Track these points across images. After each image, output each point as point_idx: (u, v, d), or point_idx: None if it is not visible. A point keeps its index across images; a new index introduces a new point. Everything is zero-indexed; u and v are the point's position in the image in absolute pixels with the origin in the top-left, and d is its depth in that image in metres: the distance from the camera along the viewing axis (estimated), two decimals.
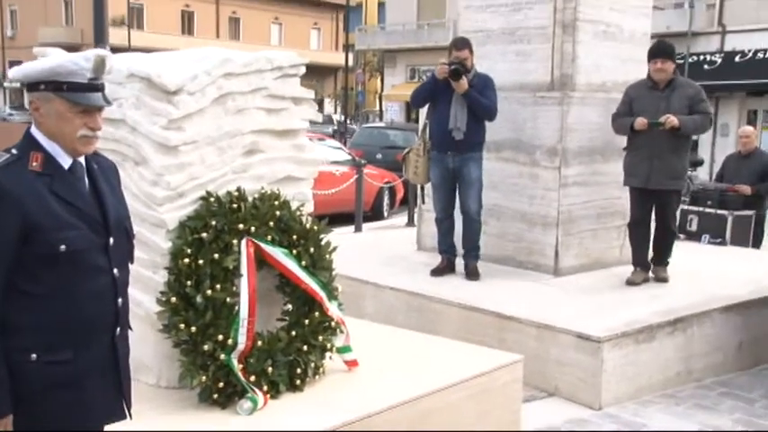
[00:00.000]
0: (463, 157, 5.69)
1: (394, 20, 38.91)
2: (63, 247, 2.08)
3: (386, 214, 13.21)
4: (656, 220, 5.66)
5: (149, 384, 3.51)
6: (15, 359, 2.07)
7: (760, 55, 23.70)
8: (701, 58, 25.01)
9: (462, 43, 5.77)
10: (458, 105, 5.64)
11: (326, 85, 50.82)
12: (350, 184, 10.49)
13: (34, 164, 2.10)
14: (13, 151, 2.12)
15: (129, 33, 36.65)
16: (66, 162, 2.17)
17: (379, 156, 16.47)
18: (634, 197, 5.67)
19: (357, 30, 41.83)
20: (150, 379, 3.53)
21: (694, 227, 8.13)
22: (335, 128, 33.31)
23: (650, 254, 5.78)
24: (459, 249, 5.92)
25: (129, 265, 2.37)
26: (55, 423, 2.16)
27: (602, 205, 6.06)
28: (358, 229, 9.76)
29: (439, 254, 5.99)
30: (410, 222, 10.40)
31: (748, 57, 24.02)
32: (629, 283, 5.63)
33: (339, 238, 8.08)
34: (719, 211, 7.98)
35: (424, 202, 6.47)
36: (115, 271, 2.22)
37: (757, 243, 8.16)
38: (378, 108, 43.81)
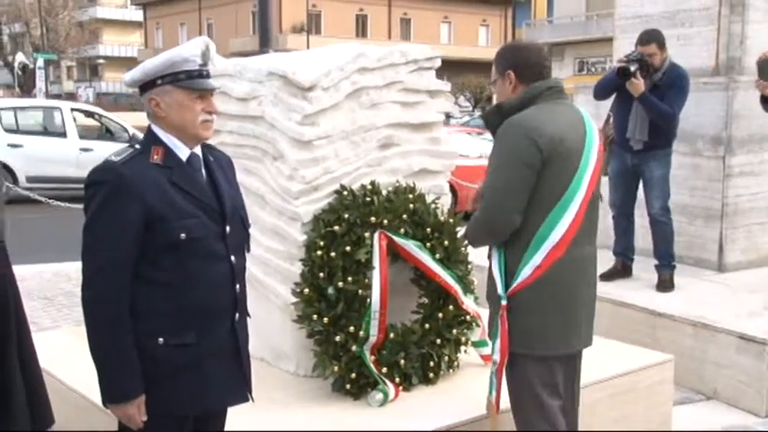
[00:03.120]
0: (644, 155, 5.21)
1: (563, 12, 38.04)
2: (183, 235, 2.19)
3: None
4: None
5: (289, 372, 3.64)
6: (145, 343, 2.20)
7: None
8: None
9: (648, 37, 5.16)
10: (639, 110, 5.09)
11: None
12: None
13: (155, 157, 2.23)
14: (136, 146, 2.27)
15: (308, 38, 38.40)
16: (184, 154, 2.29)
17: None
18: None
19: (525, 24, 41.24)
20: (290, 367, 3.65)
21: None
22: None
23: None
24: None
25: (246, 253, 2.45)
26: (181, 405, 2.28)
27: None
28: None
29: (613, 255, 5.47)
30: None
31: None
32: None
33: None
34: None
35: (601, 200, 6.03)
36: (232, 258, 2.32)
37: None
38: None
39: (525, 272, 2.71)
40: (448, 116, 25.50)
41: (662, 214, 5.19)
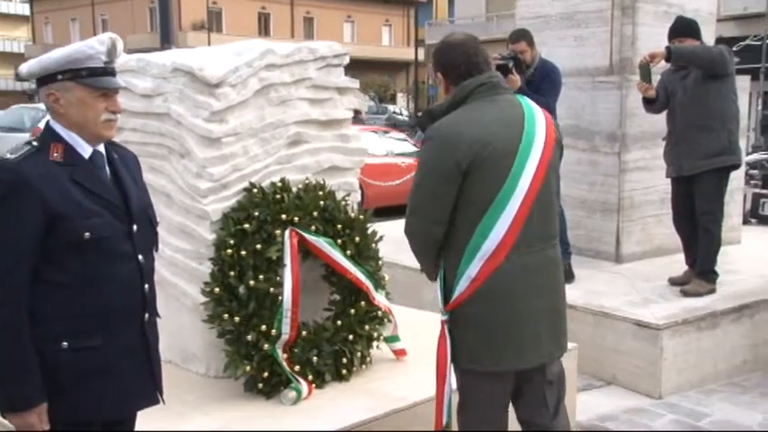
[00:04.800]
0: None
1: (463, 13, 38.79)
2: (87, 234, 2.12)
3: None
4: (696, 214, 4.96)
5: (199, 374, 3.58)
6: (47, 348, 2.12)
7: None
8: None
9: (517, 36, 5.44)
10: None
11: (398, 80, 50.96)
12: None
13: (55, 154, 2.15)
14: (34, 143, 2.18)
15: (209, 36, 37.68)
16: (86, 152, 2.22)
17: None
18: (673, 189, 5.21)
19: (427, 24, 41.82)
20: (200, 368, 3.59)
21: (767, 210, 7.81)
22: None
23: None
24: None
25: (154, 252, 2.40)
26: (87, 411, 2.21)
27: (665, 190, 5.85)
28: None
29: None
30: None
31: None
32: (671, 282, 5.11)
33: (401, 228, 8.15)
34: None
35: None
36: (140, 257, 2.26)
37: None
38: None
39: (461, 285, 2.58)
40: (357, 113, 25.55)
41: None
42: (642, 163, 5.76)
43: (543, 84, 5.31)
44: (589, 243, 5.85)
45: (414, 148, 13.18)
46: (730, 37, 20.24)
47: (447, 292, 2.63)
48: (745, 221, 7.44)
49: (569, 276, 5.26)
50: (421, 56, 36.92)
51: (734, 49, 6.13)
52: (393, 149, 12.77)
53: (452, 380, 2.72)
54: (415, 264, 6.01)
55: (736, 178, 5.94)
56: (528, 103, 2.71)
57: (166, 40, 9.05)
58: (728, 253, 5.61)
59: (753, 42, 23.58)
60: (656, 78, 5.20)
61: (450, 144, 2.54)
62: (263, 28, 48.48)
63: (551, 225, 2.69)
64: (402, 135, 15.59)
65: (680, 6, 6.01)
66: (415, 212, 2.65)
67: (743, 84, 5.94)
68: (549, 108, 5.27)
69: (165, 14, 9.17)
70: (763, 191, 8.02)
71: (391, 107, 39.97)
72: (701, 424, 4.09)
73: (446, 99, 2.69)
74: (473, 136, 2.52)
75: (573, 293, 4.95)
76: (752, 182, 8.48)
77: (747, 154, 8.09)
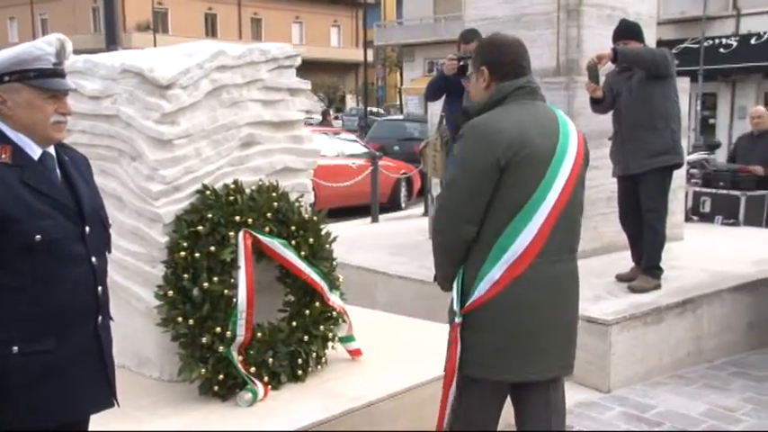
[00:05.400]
0: None
1: (411, 15, 39.02)
2: (39, 236, 2.09)
3: (403, 205, 13.28)
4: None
5: (153, 378, 3.55)
6: None
7: None
8: (717, 41, 24.67)
9: (470, 36, 5.52)
10: (470, 101, 5.45)
11: (348, 81, 50.98)
12: (366, 177, 10.52)
13: (3, 156, 2.11)
14: None
15: (154, 37, 37.13)
16: (35, 153, 2.18)
17: (396, 148, 16.64)
18: (619, 187, 5.27)
19: (375, 26, 41.94)
20: (153, 373, 3.57)
21: (707, 208, 8.03)
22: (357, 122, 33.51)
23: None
24: None
25: (108, 254, 2.38)
26: (41, 415, 2.17)
27: (612, 189, 5.98)
28: (374, 220, 9.79)
29: None
30: (426, 212, 10.39)
31: (764, 39, 23.63)
32: (618, 278, 5.20)
33: (353, 229, 8.19)
34: (732, 192, 7.88)
35: None
36: (93, 259, 2.24)
37: None
38: (398, 102, 43.83)
39: (482, 287, 2.49)
40: (326, 115, 25.49)
41: None
42: (591, 162, 5.86)
43: None
44: None
45: (364, 149, 13.23)
46: (669, 40, 20.75)
47: (464, 296, 2.54)
48: (687, 219, 7.64)
49: None
50: (370, 57, 37.01)
51: (673, 51, 6.30)
52: (344, 150, 12.78)
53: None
54: (368, 263, 5.99)
55: (679, 177, 6.09)
56: (561, 114, 2.68)
57: (112, 41, 8.87)
58: (672, 249, 5.75)
59: (690, 45, 24.22)
60: (602, 80, 5.32)
61: (489, 140, 2.47)
62: (210, 29, 48.02)
63: (575, 238, 2.66)
64: (352, 136, 15.64)
65: (623, 10, 6.15)
66: (448, 210, 2.55)
67: (683, 85, 6.10)
68: None
69: (111, 15, 9.00)
70: (704, 189, 8.24)
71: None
72: (648, 416, 4.19)
73: (482, 99, 2.63)
74: (513, 135, 2.47)
75: None
76: (692, 180, 8.69)
77: (688, 153, 8.30)
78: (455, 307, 2.56)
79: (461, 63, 5.26)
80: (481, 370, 2.56)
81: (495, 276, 2.48)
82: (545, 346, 2.56)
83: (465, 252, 2.55)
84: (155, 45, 34.52)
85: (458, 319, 2.55)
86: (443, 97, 5.78)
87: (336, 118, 35.77)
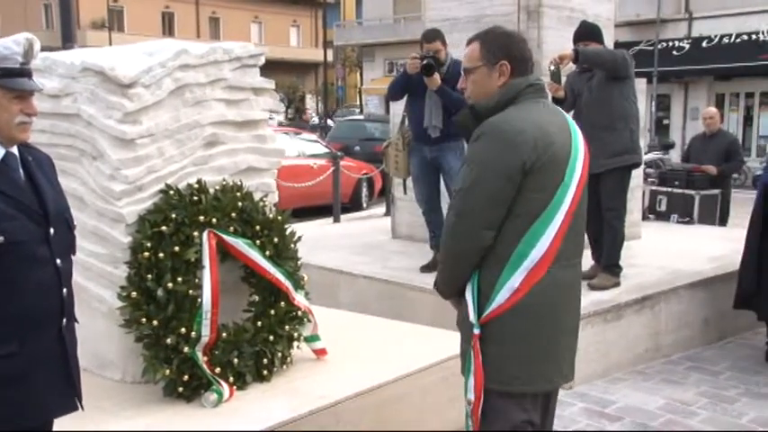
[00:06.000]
0: (440, 147, 5.51)
1: (371, 15, 39.05)
2: (2, 238, 2.06)
3: (365, 205, 13.30)
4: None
5: (115, 380, 3.51)
6: None
7: (726, 40, 23.82)
8: (670, 44, 25.18)
9: (433, 35, 5.54)
10: (432, 101, 5.42)
11: (307, 81, 50.80)
12: (327, 177, 10.51)
13: None
14: None
15: (110, 35, 36.52)
16: None
17: (357, 148, 16.64)
18: None
19: (335, 26, 41.89)
20: (116, 375, 3.52)
21: (663, 207, 8.22)
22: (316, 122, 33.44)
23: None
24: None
25: (72, 256, 2.35)
26: (3, 419, 2.14)
27: None
28: (336, 220, 9.79)
29: (431, 249, 5.69)
30: (388, 212, 10.40)
31: (715, 42, 24.16)
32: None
33: (315, 229, 8.18)
34: (687, 191, 8.08)
35: (405, 193, 6.13)
36: (58, 261, 2.21)
37: (723, 221, 8.28)
38: (358, 102, 43.84)
39: (502, 295, 2.36)
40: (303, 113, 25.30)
41: None
42: None
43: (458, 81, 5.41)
44: None
45: (325, 150, 13.21)
46: (625, 42, 21.12)
47: (482, 303, 2.40)
48: (644, 217, 7.79)
49: None
50: (330, 57, 36.96)
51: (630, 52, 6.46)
52: (305, 151, 12.75)
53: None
54: (330, 263, 5.97)
55: (636, 176, 6.21)
56: (564, 112, 2.60)
57: (68, 39, 8.70)
58: (631, 247, 5.87)
59: (645, 47, 24.67)
60: (564, 80, 5.39)
61: (513, 141, 2.33)
62: (168, 28, 47.42)
63: (582, 241, 2.58)
64: (313, 136, 15.60)
65: (582, 11, 6.25)
66: (465, 215, 2.38)
67: (640, 86, 6.22)
68: (466, 104, 5.45)
69: (68, 12, 8.82)
70: (660, 188, 8.42)
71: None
72: (608, 411, 4.27)
73: (493, 96, 2.48)
74: (536, 135, 2.34)
75: None
76: (649, 180, 8.87)
77: (644, 153, 8.48)
78: (472, 317, 2.41)
79: (425, 62, 5.30)
80: (508, 383, 2.43)
81: (515, 284, 2.36)
82: (562, 352, 2.49)
83: (481, 258, 2.41)
84: (110, 43, 33.98)
85: (476, 330, 2.41)
86: (405, 97, 5.79)
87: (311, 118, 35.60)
